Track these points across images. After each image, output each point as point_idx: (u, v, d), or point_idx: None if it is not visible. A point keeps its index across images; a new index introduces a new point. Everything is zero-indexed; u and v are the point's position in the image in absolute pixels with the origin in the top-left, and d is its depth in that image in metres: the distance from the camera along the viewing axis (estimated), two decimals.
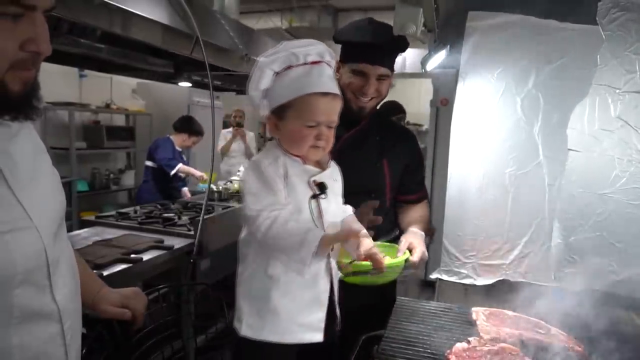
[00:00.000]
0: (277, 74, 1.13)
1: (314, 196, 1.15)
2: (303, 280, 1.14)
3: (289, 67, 1.13)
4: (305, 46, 1.14)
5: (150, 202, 3.51)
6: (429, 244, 1.51)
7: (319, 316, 1.17)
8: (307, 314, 1.16)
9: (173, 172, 3.97)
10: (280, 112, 1.15)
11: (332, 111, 1.15)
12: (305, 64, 1.13)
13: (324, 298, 1.19)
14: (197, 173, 4.13)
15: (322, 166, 1.21)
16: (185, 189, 4.17)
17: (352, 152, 1.50)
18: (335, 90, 1.16)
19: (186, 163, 4.25)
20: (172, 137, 4.15)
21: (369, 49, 1.45)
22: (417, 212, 1.63)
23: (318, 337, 1.17)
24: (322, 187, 1.16)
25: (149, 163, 4.13)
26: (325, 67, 1.16)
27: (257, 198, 1.10)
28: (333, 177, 1.24)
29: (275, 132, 1.18)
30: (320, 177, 1.18)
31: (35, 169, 0.87)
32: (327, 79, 1.15)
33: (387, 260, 1.25)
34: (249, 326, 1.16)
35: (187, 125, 4.18)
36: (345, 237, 1.14)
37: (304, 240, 1.05)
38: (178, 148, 4.17)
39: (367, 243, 1.14)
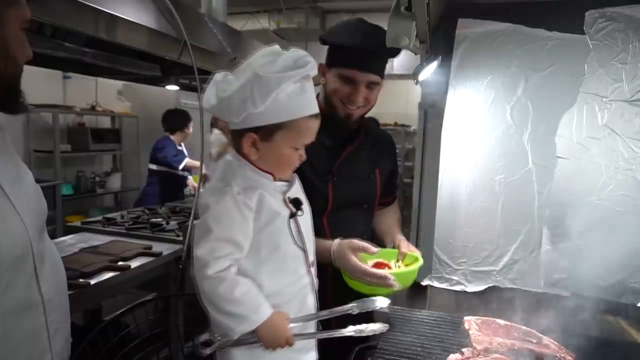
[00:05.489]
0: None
1: (292, 215, 1.06)
2: (293, 303, 1.08)
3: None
4: (301, 57, 0.98)
5: (155, 204, 3.57)
6: None
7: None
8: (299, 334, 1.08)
9: (181, 166, 4.04)
10: (266, 133, 1.00)
11: (316, 130, 1.05)
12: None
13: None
14: None
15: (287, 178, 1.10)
16: (190, 179, 4.22)
17: (348, 166, 1.44)
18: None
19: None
20: (171, 137, 4.19)
21: (360, 54, 1.30)
22: (395, 213, 1.64)
23: (313, 355, 1.14)
24: (297, 203, 1.07)
25: (152, 166, 4.14)
26: (311, 81, 1.02)
27: (217, 242, 0.99)
28: (300, 188, 1.15)
29: (250, 150, 1.02)
30: (294, 193, 1.09)
31: (18, 170, 0.95)
32: (314, 96, 1.03)
33: (404, 269, 1.29)
34: None
35: (174, 121, 4.20)
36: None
37: (246, 318, 0.98)
38: (179, 147, 4.23)
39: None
